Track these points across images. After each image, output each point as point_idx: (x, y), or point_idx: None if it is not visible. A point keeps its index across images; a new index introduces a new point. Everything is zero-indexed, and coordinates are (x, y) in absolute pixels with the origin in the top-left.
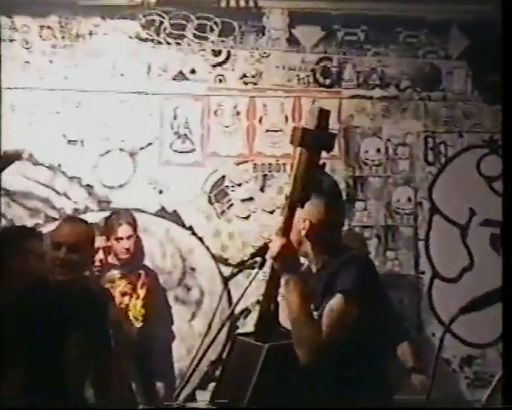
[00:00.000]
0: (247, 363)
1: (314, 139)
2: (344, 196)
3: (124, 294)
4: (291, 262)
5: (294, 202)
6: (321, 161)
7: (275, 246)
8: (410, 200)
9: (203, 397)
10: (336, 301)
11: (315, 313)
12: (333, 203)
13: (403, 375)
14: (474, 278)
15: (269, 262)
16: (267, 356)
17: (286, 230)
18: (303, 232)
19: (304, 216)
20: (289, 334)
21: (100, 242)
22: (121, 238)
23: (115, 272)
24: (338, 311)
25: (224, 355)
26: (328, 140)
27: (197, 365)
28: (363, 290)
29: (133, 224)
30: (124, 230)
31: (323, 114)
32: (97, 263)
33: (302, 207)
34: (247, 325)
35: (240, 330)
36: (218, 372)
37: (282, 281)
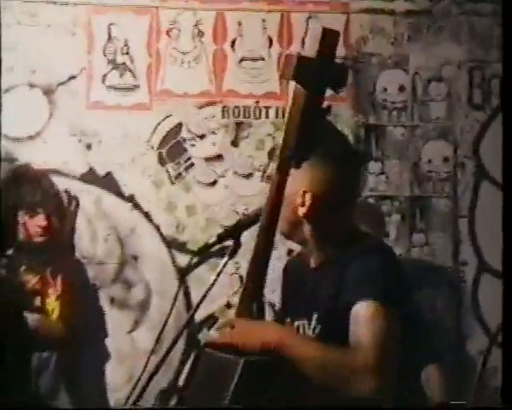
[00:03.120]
0: (216, 382)
1: (316, 72)
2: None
3: (33, 293)
4: None
5: (287, 162)
6: (325, 104)
7: None
8: (447, 160)
9: None
10: (365, 308)
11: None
12: (346, 167)
13: None
14: None
15: (248, 246)
16: (243, 373)
17: (275, 203)
18: (301, 211)
19: (303, 186)
20: None
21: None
22: (35, 214)
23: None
24: (372, 318)
25: (181, 380)
26: (335, 74)
27: (140, 395)
28: (394, 297)
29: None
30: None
31: (329, 37)
32: None
33: (297, 168)
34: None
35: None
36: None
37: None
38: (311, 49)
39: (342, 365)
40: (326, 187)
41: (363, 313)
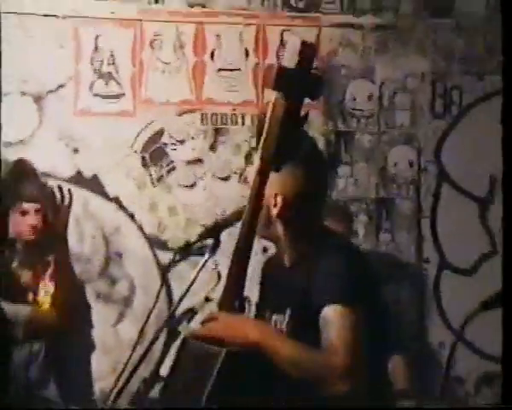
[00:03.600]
0: (200, 370)
1: (295, 82)
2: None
3: (27, 287)
4: None
5: (267, 166)
6: (302, 112)
7: None
8: (411, 164)
9: None
10: (332, 312)
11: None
12: (314, 171)
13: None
14: (497, 270)
15: (227, 245)
16: (224, 363)
17: (256, 205)
18: (274, 211)
19: (275, 189)
20: None
21: None
22: (26, 212)
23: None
24: (338, 321)
25: (165, 369)
26: (312, 84)
27: (125, 384)
28: (360, 296)
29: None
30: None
31: (308, 49)
32: None
33: (277, 171)
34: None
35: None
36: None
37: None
38: (289, 61)
39: (317, 365)
40: (296, 189)
41: (331, 316)
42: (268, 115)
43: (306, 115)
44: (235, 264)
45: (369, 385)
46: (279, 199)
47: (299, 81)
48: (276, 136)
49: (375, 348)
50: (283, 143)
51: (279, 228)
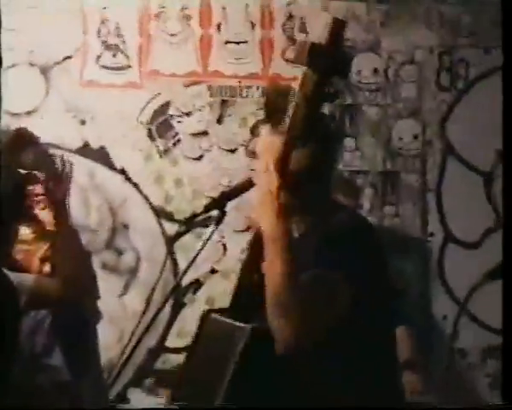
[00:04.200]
0: (221, 349)
1: (328, 59)
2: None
3: (44, 260)
4: None
5: (294, 141)
6: (332, 89)
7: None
8: (416, 137)
9: (137, 397)
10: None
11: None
12: (325, 144)
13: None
14: (501, 244)
15: (232, 217)
16: (249, 341)
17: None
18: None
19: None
20: None
21: None
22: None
23: (28, 231)
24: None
25: (168, 340)
26: (343, 61)
27: (131, 354)
28: (362, 270)
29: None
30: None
31: (339, 26)
32: None
33: (304, 147)
34: (198, 301)
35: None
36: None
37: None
38: (319, 37)
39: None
40: (308, 162)
41: (305, 277)
42: (296, 90)
43: (337, 92)
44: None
45: (377, 358)
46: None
47: (331, 58)
48: (305, 112)
49: (380, 319)
50: (311, 119)
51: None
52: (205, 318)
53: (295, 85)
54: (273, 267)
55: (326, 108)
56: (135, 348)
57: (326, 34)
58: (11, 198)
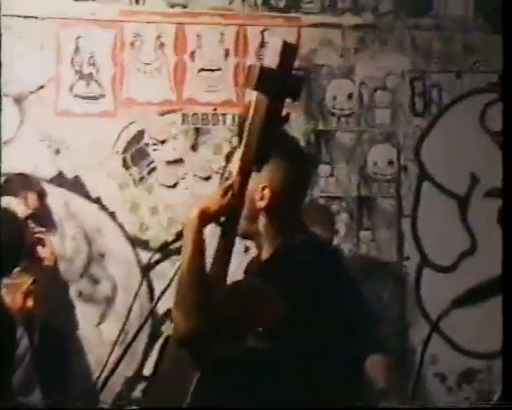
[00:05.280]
0: (183, 373)
1: (277, 82)
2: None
3: (27, 294)
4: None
5: (249, 165)
6: (284, 112)
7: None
8: (391, 163)
9: None
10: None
11: None
12: (298, 166)
13: (370, 400)
14: (476, 266)
15: (212, 240)
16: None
17: (238, 204)
18: (260, 204)
19: (262, 183)
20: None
21: None
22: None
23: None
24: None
25: (145, 369)
26: (293, 84)
27: (105, 382)
28: (300, 281)
29: (42, 193)
30: (33, 202)
31: (289, 50)
32: None
33: (259, 171)
34: None
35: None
36: (136, 392)
37: None
38: (271, 61)
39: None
40: (282, 183)
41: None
42: (250, 115)
43: (288, 115)
44: (215, 266)
45: (345, 386)
46: (267, 192)
47: (281, 81)
48: (258, 136)
49: (350, 348)
50: (265, 143)
51: (262, 221)
52: (166, 343)
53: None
54: (182, 266)
55: (299, 133)
56: (110, 375)
57: (276, 58)
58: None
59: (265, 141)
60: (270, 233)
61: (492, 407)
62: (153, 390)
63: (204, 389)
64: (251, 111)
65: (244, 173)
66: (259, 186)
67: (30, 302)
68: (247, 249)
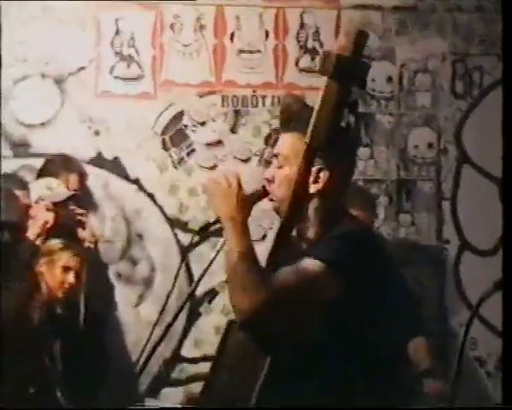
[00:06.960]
0: (249, 359)
1: (351, 70)
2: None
3: (66, 269)
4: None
5: (314, 151)
6: (351, 99)
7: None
8: (431, 146)
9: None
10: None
11: None
12: (346, 151)
13: (413, 380)
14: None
15: (251, 223)
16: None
17: (300, 190)
18: (315, 187)
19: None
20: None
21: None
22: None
23: (56, 242)
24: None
25: (184, 350)
26: (363, 72)
27: (145, 364)
28: (352, 265)
29: (83, 174)
30: (74, 183)
31: (362, 38)
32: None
33: (324, 157)
34: (213, 312)
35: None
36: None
37: None
38: (342, 48)
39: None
40: (336, 167)
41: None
42: (319, 102)
43: (357, 102)
44: (273, 252)
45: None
46: (322, 174)
47: (353, 69)
48: (327, 122)
49: (396, 330)
50: (333, 129)
51: (312, 205)
52: (229, 327)
53: (311, 95)
54: (228, 245)
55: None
56: (149, 357)
57: (350, 46)
58: None
59: (333, 128)
60: (322, 217)
61: (492, 407)
62: (215, 383)
63: (277, 374)
64: (320, 97)
65: (309, 159)
66: (313, 169)
67: (71, 278)
68: (264, 237)
